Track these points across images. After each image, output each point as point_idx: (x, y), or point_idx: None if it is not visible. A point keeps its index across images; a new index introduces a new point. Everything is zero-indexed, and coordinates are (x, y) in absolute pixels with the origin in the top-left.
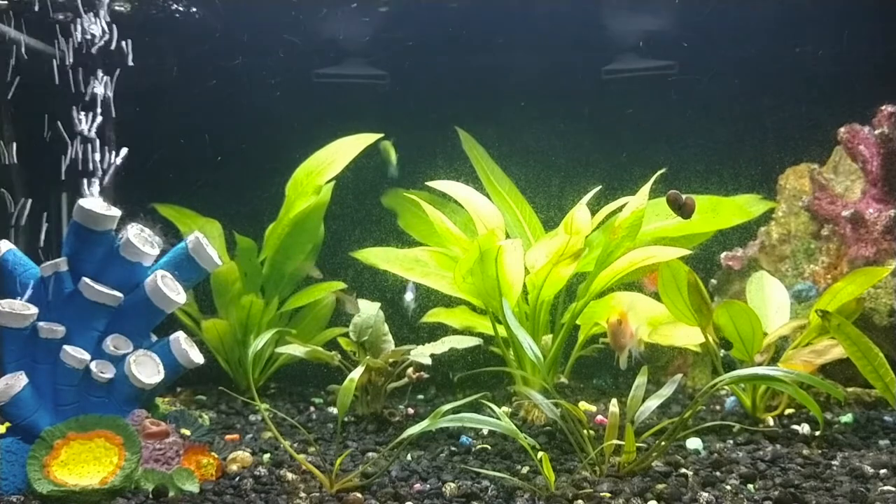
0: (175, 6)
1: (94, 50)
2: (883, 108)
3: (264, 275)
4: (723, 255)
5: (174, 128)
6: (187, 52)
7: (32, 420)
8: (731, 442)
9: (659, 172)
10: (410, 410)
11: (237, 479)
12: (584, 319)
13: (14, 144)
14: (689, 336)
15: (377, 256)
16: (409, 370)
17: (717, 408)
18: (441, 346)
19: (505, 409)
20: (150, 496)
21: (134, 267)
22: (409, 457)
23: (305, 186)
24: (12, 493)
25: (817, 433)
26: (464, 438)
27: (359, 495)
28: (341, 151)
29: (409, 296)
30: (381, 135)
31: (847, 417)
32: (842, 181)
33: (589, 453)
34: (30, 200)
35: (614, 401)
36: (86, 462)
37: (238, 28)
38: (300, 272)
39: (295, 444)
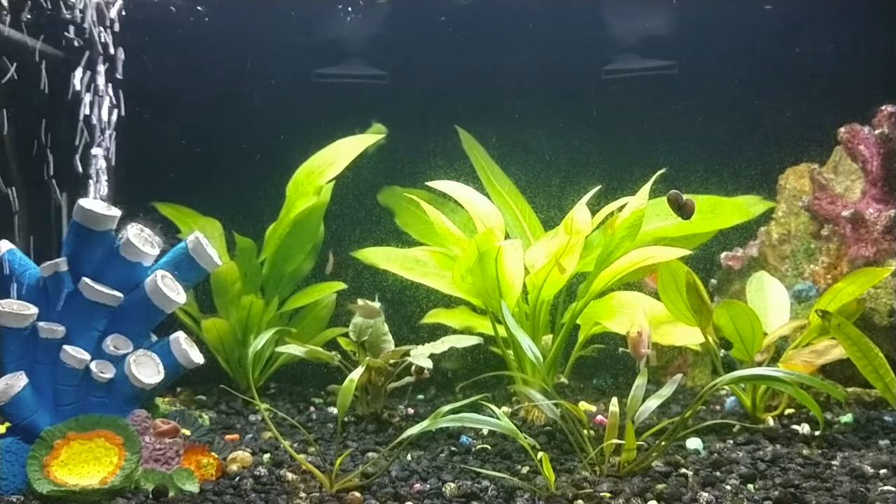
0: (175, 5)
1: (92, 48)
2: (883, 108)
3: (264, 275)
4: (723, 255)
5: (174, 127)
6: (187, 52)
7: (32, 420)
8: (731, 442)
9: (659, 172)
10: (410, 410)
11: (237, 479)
12: (584, 319)
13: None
14: (689, 336)
15: (377, 256)
16: (414, 367)
17: (717, 408)
18: (441, 345)
19: (505, 409)
20: (150, 496)
21: (134, 267)
22: (409, 457)
23: (306, 187)
24: (12, 493)
25: (817, 433)
26: (464, 438)
27: (359, 495)
28: (342, 152)
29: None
30: (381, 135)
31: (847, 417)
32: (842, 181)
33: (589, 453)
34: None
35: (614, 401)
36: (86, 462)
37: (238, 27)
38: (311, 270)
39: (295, 444)
